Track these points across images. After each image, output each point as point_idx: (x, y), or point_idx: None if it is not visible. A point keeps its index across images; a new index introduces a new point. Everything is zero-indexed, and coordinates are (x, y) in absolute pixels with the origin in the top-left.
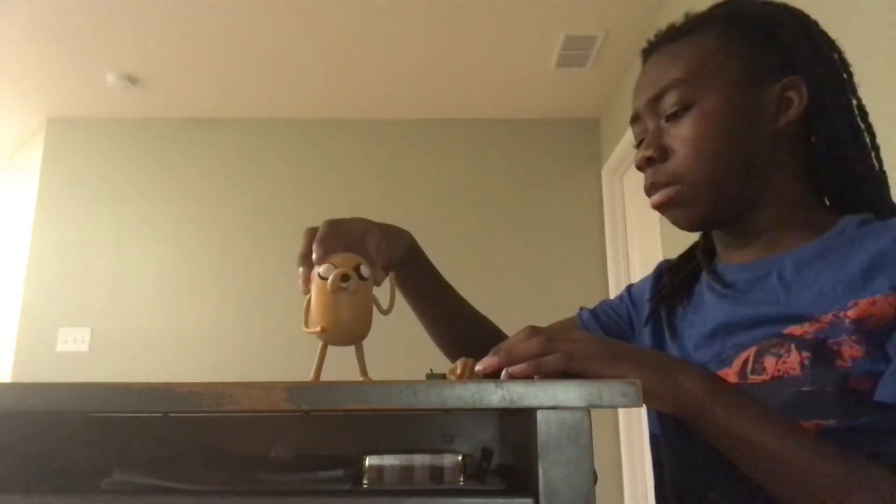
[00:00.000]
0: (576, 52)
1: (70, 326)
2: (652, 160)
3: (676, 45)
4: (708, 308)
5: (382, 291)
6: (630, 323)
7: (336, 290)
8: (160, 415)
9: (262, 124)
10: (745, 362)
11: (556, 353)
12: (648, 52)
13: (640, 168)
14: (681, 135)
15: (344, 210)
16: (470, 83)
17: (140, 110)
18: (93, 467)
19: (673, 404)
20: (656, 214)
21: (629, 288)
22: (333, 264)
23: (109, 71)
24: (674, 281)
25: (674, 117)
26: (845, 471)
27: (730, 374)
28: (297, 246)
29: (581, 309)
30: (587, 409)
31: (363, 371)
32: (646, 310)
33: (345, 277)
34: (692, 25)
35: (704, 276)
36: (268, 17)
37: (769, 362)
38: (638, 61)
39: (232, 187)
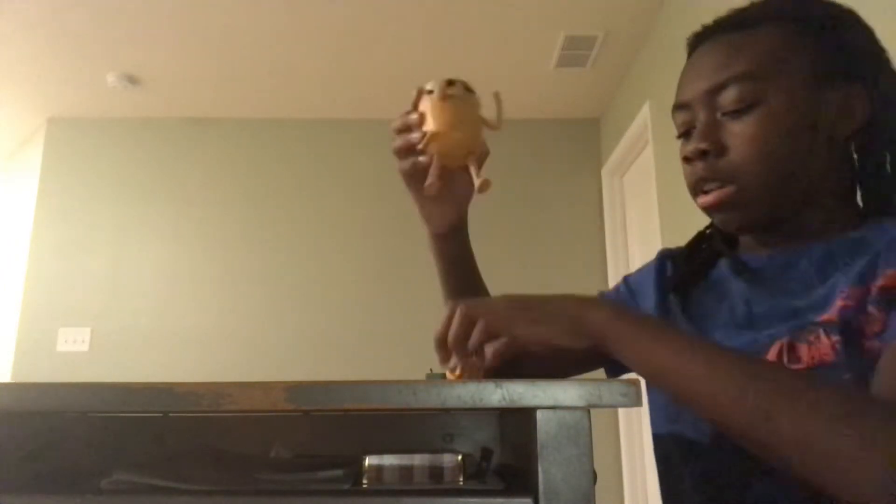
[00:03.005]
0: (576, 52)
1: (70, 326)
2: (706, 153)
3: (740, 35)
4: (735, 296)
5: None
6: None
7: (444, 97)
8: (160, 415)
9: (262, 124)
10: (780, 353)
11: (480, 338)
12: (701, 39)
13: (688, 160)
14: (743, 132)
15: (343, 210)
16: (470, 83)
17: (140, 110)
18: (93, 467)
19: (581, 337)
20: (656, 214)
21: (626, 279)
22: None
23: (109, 71)
24: (688, 268)
25: (735, 112)
26: (749, 379)
27: None
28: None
29: None
30: (587, 409)
31: (477, 177)
32: (649, 299)
33: (451, 83)
34: (757, 17)
35: (724, 264)
36: (267, 17)
37: (802, 350)
38: (637, 61)
39: (232, 187)
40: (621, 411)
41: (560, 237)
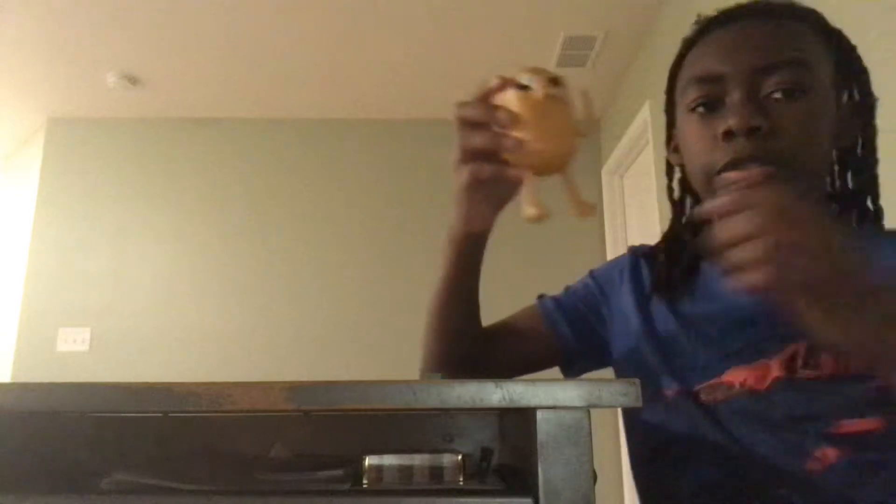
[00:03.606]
0: (576, 52)
1: (70, 326)
2: (758, 130)
3: (786, 23)
4: (731, 296)
5: None
6: (596, 309)
7: (547, 96)
8: (160, 415)
9: (262, 124)
10: (794, 356)
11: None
12: (732, 17)
13: (732, 133)
14: (796, 117)
15: (343, 210)
16: (470, 83)
17: (140, 110)
18: (93, 467)
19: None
20: (656, 215)
21: (592, 274)
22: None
23: (109, 71)
24: (672, 269)
25: (786, 96)
26: None
27: (772, 365)
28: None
29: (541, 297)
30: (587, 409)
31: (577, 198)
32: (623, 296)
33: (555, 81)
34: (793, 11)
35: (710, 262)
36: (267, 17)
37: (827, 359)
38: (637, 61)
39: (232, 187)
40: (621, 411)
41: (560, 237)
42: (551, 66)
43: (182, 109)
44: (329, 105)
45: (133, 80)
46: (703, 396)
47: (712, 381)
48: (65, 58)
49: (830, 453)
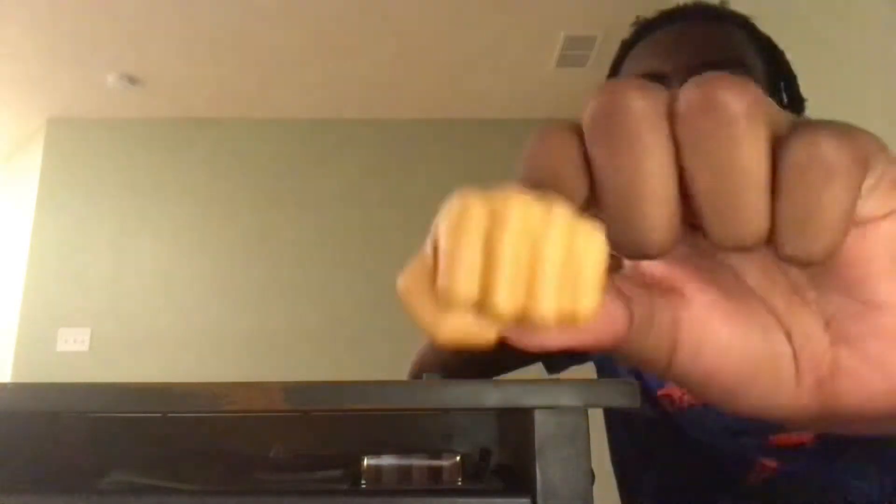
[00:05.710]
0: (576, 52)
1: (70, 326)
2: None
3: (723, 26)
4: None
5: None
6: None
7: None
8: (159, 415)
9: (262, 124)
10: None
11: None
12: (671, 19)
13: None
14: None
15: (342, 209)
16: (470, 83)
17: (140, 110)
18: (92, 467)
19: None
20: None
21: None
22: None
23: (109, 71)
24: None
25: None
26: None
27: None
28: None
29: None
30: (585, 409)
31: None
32: None
33: None
34: (729, 16)
35: None
36: (267, 17)
37: None
38: None
39: (232, 187)
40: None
41: None
42: (551, 66)
43: (182, 109)
44: (328, 105)
45: (133, 80)
46: (660, 402)
47: (661, 392)
48: (65, 58)
49: (769, 464)
